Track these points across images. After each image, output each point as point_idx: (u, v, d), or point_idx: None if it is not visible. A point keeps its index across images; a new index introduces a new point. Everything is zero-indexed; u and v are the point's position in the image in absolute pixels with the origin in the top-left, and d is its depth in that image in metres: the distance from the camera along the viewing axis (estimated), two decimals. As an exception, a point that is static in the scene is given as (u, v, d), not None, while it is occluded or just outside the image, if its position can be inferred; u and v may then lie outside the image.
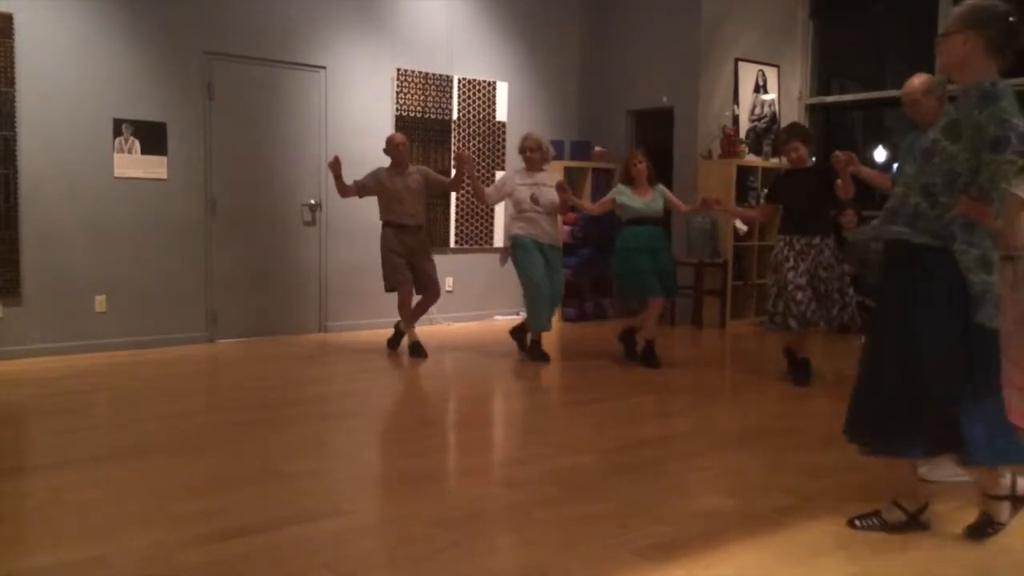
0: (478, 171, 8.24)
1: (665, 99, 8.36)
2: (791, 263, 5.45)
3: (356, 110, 7.43)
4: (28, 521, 3.13)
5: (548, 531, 3.01)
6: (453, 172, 6.89)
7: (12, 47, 5.84)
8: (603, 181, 8.46)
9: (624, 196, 6.04)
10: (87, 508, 3.17)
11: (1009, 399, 3.09)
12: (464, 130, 8.16)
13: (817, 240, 5.44)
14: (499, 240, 8.45)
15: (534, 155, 6.19)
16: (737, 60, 8.39)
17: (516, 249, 6.11)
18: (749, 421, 4.69)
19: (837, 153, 4.99)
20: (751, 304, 8.41)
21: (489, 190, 6.36)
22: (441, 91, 7.97)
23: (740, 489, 3.50)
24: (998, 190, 2.72)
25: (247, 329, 6.93)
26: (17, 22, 5.85)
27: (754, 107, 8.57)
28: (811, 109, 8.86)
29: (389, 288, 6.25)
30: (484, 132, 8.31)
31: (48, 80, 6.00)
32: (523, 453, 4.18)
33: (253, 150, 6.86)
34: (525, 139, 6.33)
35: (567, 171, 8.32)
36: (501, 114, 8.42)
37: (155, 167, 6.44)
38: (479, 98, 8.25)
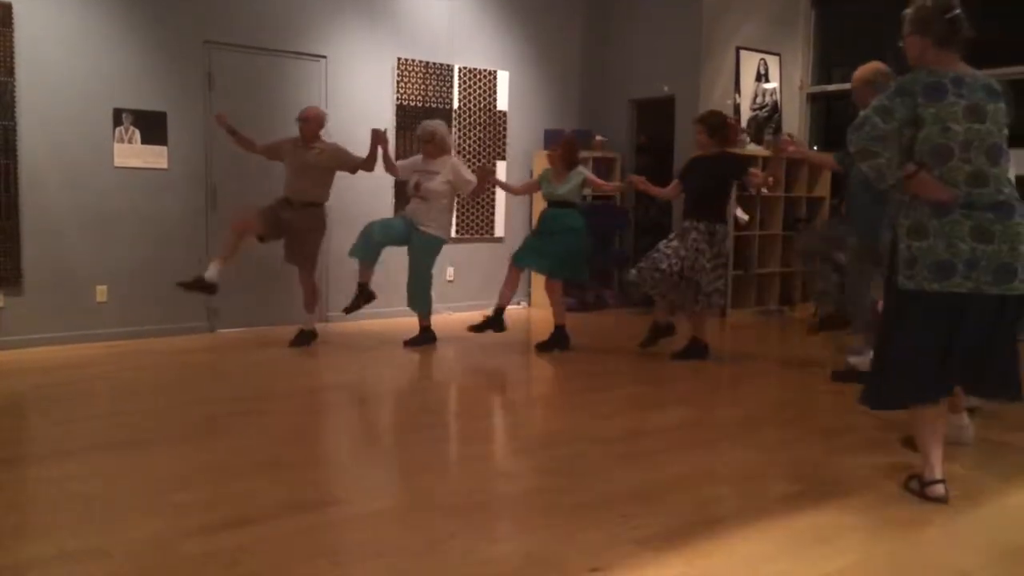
0: (481, 160, 8.22)
1: (666, 88, 8.33)
2: (675, 243, 5.79)
3: (357, 100, 7.40)
4: (29, 510, 3.14)
5: (548, 520, 3.01)
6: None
7: (12, 37, 5.82)
8: (604, 170, 8.43)
9: (543, 179, 6.39)
10: (88, 497, 3.18)
11: None
12: (465, 119, 8.13)
13: (694, 224, 5.72)
14: (500, 230, 8.45)
15: (427, 146, 6.28)
16: (739, 49, 8.35)
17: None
18: (750, 410, 4.68)
19: (783, 138, 5.57)
20: (752, 293, 8.40)
21: (398, 165, 6.50)
22: (442, 80, 7.95)
23: (741, 478, 3.50)
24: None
25: (248, 319, 6.92)
26: (17, 11, 5.83)
27: (756, 96, 8.54)
28: (812, 98, 8.84)
29: None
30: (485, 121, 8.28)
31: (48, 69, 5.99)
32: (523, 442, 4.18)
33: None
34: (419, 129, 6.41)
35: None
36: (502, 103, 8.39)
37: (155, 157, 6.42)
38: (480, 87, 8.23)
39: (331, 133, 7.13)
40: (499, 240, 8.41)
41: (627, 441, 4.01)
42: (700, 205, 5.78)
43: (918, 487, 3.23)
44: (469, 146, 8.15)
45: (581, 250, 6.28)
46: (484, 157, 8.26)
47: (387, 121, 7.53)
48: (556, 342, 6.23)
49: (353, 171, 6.37)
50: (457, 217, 8.12)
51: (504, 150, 8.38)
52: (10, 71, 5.83)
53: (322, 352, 6.14)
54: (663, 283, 5.70)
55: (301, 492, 3.27)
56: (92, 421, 4.30)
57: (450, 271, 8.04)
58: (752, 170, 5.85)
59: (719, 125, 5.88)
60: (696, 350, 5.94)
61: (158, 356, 5.89)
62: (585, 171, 6.37)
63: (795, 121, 8.82)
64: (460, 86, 8.07)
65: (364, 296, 6.27)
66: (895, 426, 3.96)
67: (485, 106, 8.27)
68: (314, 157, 6.13)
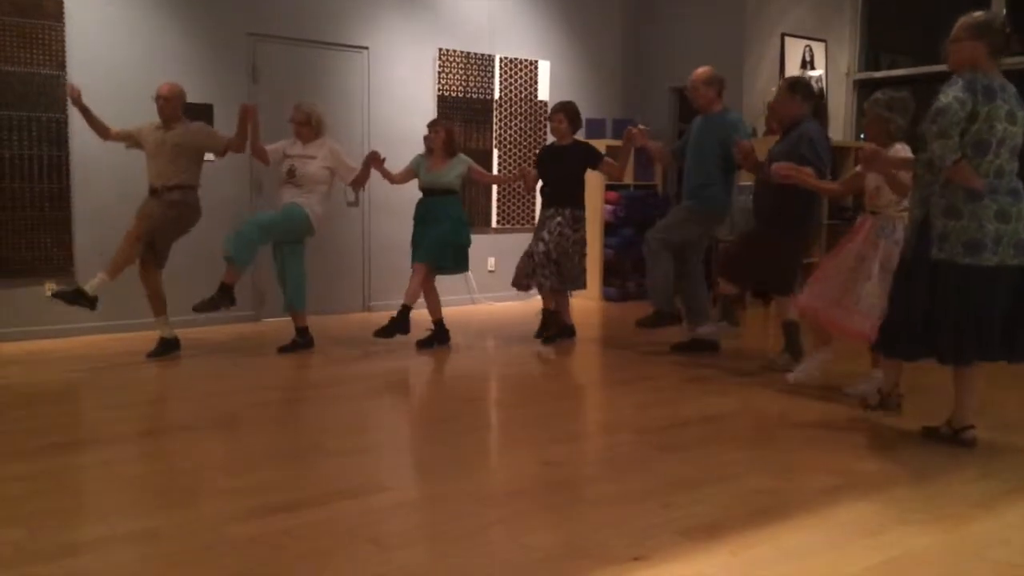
0: (521, 151, 8.23)
1: (709, 76, 8.23)
2: (538, 231, 6.09)
3: (398, 90, 7.44)
4: (82, 493, 3.22)
5: (590, 509, 3.02)
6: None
7: (63, 31, 5.95)
8: (645, 159, 8.38)
9: (418, 167, 6.08)
10: (138, 481, 3.26)
11: (841, 319, 4.39)
12: (506, 110, 8.13)
13: (559, 210, 5.99)
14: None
15: (302, 128, 5.84)
16: (783, 35, 8.24)
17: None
18: (792, 402, 4.63)
19: (631, 128, 5.76)
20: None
21: (268, 149, 5.92)
22: (483, 71, 7.95)
23: (784, 469, 3.47)
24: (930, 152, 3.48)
25: (292, 308, 7.00)
26: (67, 6, 5.96)
27: (801, 83, 8.41)
28: (859, 85, 8.68)
29: None
30: (526, 111, 8.28)
31: (97, 63, 6.11)
32: (564, 432, 4.18)
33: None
34: (294, 110, 5.89)
35: (609, 149, 8.25)
36: (543, 93, 8.37)
37: (201, 148, 6.51)
38: (521, 77, 8.21)
39: (372, 124, 7.19)
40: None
41: (668, 431, 4.00)
42: (562, 193, 6.03)
43: (950, 432, 3.72)
44: (510, 136, 8.15)
45: (463, 240, 6.00)
46: (525, 147, 8.25)
47: (429, 112, 7.56)
48: (436, 338, 6.03)
49: (222, 153, 5.81)
50: (497, 208, 8.14)
51: (545, 140, 8.35)
52: (61, 65, 5.96)
53: (366, 341, 6.17)
54: (539, 270, 5.94)
55: (345, 479, 3.31)
56: (140, 407, 4.40)
57: (491, 261, 8.06)
58: (606, 159, 6.13)
59: (576, 114, 6.15)
60: (564, 331, 6.25)
61: (205, 344, 6.00)
62: (468, 160, 6.10)
63: (841, 109, 8.68)
64: (501, 76, 8.06)
65: (226, 299, 5.65)
66: (939, 418, 3.89)
67: (526, 96, 8.26)
68: (175, 136, 5.57)
